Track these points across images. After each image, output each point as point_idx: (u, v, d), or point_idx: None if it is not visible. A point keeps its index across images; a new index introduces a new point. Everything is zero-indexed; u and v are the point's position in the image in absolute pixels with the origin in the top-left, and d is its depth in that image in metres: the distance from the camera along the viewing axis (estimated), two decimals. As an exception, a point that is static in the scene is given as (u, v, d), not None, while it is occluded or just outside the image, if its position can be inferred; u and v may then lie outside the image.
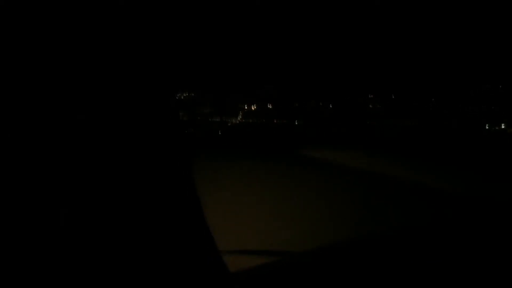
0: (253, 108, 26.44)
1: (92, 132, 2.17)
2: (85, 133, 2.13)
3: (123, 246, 2.16)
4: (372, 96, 26.54)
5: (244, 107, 26.40)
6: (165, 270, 2.20)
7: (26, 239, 2.02)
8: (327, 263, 3.45)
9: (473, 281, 2.79)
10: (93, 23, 2.20)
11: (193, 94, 28.94)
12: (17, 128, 2.07)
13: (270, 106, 26.43)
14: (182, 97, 29.35)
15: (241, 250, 4.39)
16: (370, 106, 25.59)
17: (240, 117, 25.99)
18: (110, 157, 2.19)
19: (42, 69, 2.11)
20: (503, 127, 19.87)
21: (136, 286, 2.14)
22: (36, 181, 2.07)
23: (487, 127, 20.00)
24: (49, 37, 2.11)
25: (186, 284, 2.27)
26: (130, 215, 2.20)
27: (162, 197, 2.32)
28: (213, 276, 2.47)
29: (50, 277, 2.03)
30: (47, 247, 2.04)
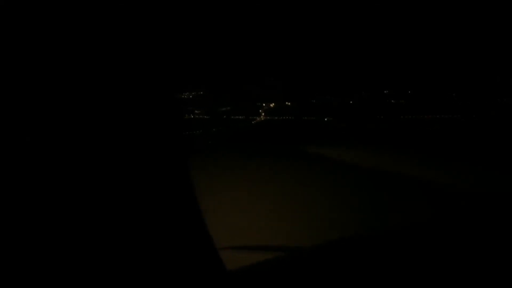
0: (271, 106, 25.22)
1: (88, 132, 2.20)
2: (81, 133, 2.15)
3: (119, 243, 2.17)
4: (387, 91, 26.68)
5: (262, 104, 25.11)
6: (158, 267, 2.21)
7: (25, 239, 2.00)
8: (329, 259, 3.36)
9: (478, 277, 2.74)
10: (91, 21, 2.26)
11: (201, 92, 27.15)
12: (15, 128, 2.05)
13: (288, 104, 25.40)
14: (191, 96, 27.50)
15: (243, 246, 4.31)
16: (392, 101, 25.60)
17: (263, 114, 24.66)
18: (106, 156, 2.22)
19: (41, 69, 2.10)
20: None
21: (129, 282, 2.14)
22: (31, 180, 2.04)
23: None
24: (47, 37, 2.14)
25: (181, 282, 2.30)
26: (123, 212, 2.24)
27: (155, 194, 2.39)
28: (209, 274, 2.52)
29: (45, 277, 2.00)
30: (42, 247, 2.02)
